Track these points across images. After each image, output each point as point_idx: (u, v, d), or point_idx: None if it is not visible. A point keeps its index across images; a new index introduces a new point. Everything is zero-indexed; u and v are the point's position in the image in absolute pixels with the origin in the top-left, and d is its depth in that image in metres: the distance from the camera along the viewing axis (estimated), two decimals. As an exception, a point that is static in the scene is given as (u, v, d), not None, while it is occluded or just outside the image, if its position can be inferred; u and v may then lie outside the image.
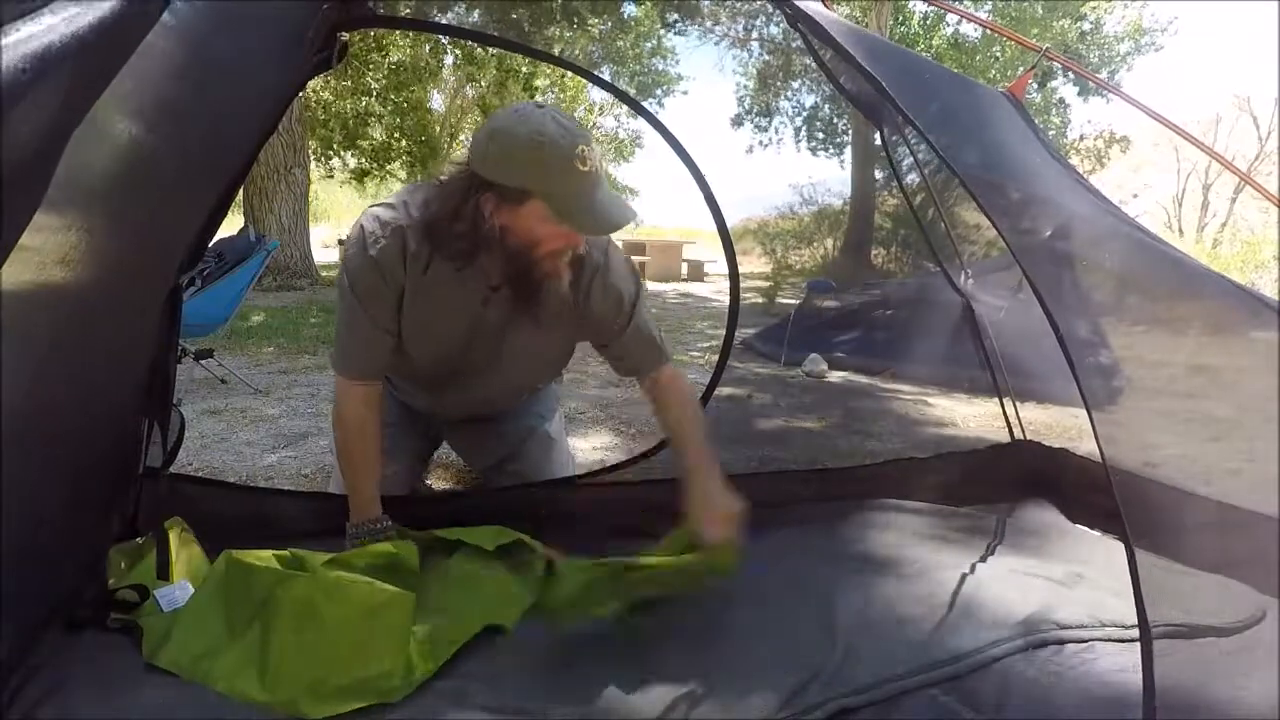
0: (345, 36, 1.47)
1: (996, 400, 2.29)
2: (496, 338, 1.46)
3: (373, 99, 11.38)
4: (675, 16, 11.30)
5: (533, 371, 1.66)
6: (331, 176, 12.74)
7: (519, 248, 1.25)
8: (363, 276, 1.33)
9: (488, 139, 1.20)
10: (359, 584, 1.15)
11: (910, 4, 13.04)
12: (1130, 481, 0.83)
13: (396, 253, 1.31)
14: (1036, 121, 1.70)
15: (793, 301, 6.22)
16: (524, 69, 10.71)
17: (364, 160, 12.31)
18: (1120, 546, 1.73)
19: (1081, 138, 13.97)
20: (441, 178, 1.31)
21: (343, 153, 11.97)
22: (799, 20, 1.48)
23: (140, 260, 1.22)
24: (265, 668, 1.08)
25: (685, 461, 1.42)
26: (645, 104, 14.89)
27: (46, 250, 0.83)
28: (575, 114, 17.81)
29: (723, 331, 2.18)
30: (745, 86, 14.89)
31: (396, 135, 12.28)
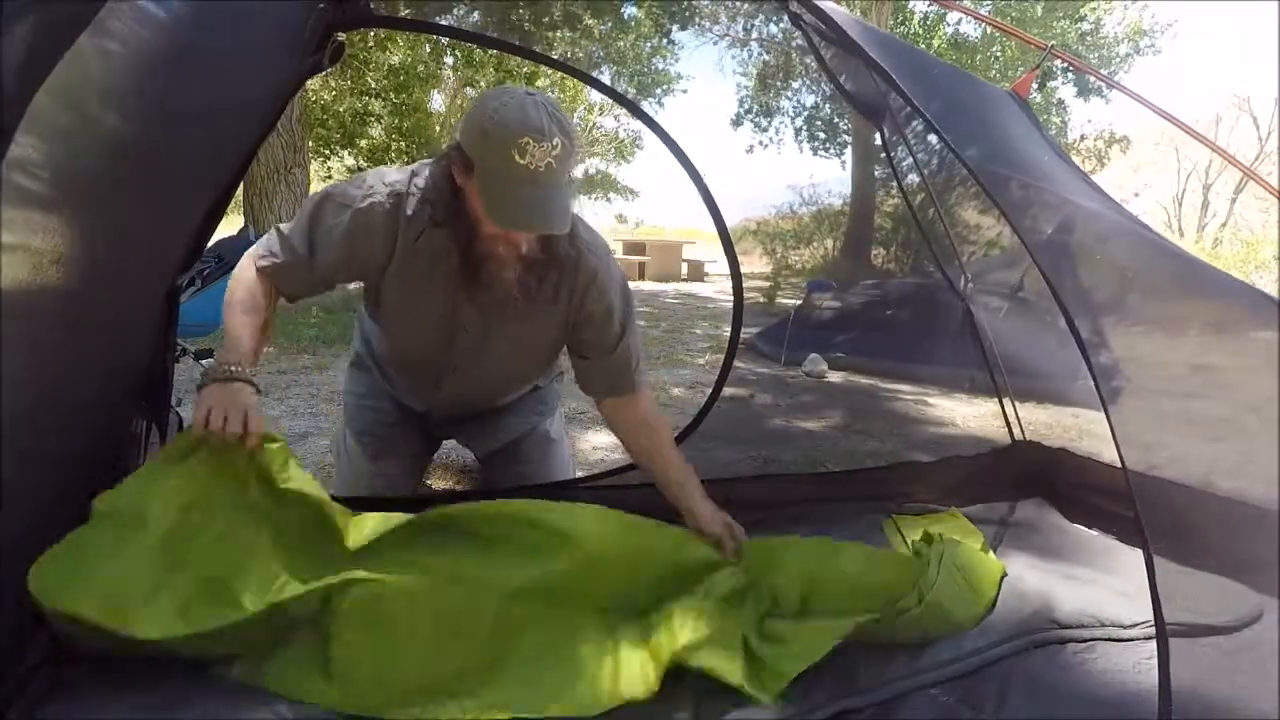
0: (341, 36, 1.47)
1: (996, 400, 2.29)
2: (476, 325, 1.44)
3: (372, 99, 11.39)
4: (672, 26, 11.30)
5: (518, 365, 1.64)
6: (330, 177, 12.75)
7: (469, 218, 1.25)
8: (334, 214, 1.32)
9: (475, 102, 1.23)
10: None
11: (910, 4, 13.05)
12: (1143, 483, 0.83)
13: (384, 215, 1.31)
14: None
15: (793, 301, 6.23)
16: (523, 70, 10.71)
17: (362, 160, 12.31)
18: (1119, 546, 1.74)
19: (1082, 138, 13.97)
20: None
21: (341, 152, 11.97)
22: (807, 13, 1.48)
23: (135, 260, 1.22)
24: (330, 671, 1.08)
25: (672, 476, 1.46)
26: (645, 103, 14.85)
27: (41, 250, 0.83)
28: (575, 114, 17.84)
29: (722, 331, 2.18)
30: (745, 87, 14.90)
31: (395, 136, 12.29)
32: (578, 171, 19.74)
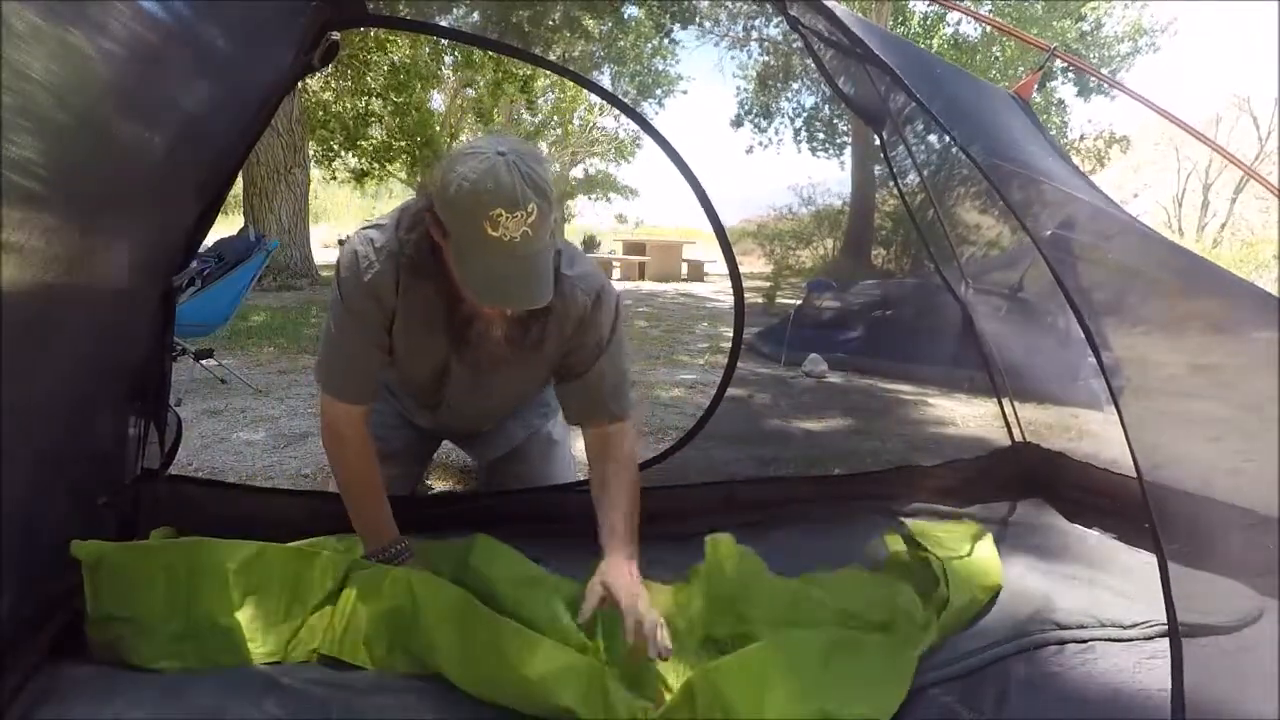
0: (336, 36, 1.46)
1: (996, 401, 2.29)
2: (465, 375, 1.42)
3: (373, 99, 11.38)
4: (672, 26, 11.29)
5: (519, 393, 1.64)
6: (335, 178, 12.73)
7: (449, 279, 1.20)
8: (357, 300, 1.28)
9: (447, 160, 1.14)
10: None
11: (910, 4, 13.05)
12: (1148, 486, 0.83)
13: (390, 276, 1.26)
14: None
15: (793, 301, 6.23)
16: (522, 71, 10.71)
17: (364, 161, 12.31)
18: (1119, 547, 1.74)
19: (1082, 138, 13.97)
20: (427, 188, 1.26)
21: (343, 153, 11.96)
22: (806, 16, 1.47)
23: (129, 259, 1.22)
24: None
25: (609, 529, 1.29)
26: (646, 104, 14.80)
27: (37, 249, 0.83)
28: (575, 114, 17.84)
29: (722, 331, 2.18)
30: (744, 88, 14.91)
31: (397, 135, 12.28)
32: (578, 171, 19.73)
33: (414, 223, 1.21)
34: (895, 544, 1.53)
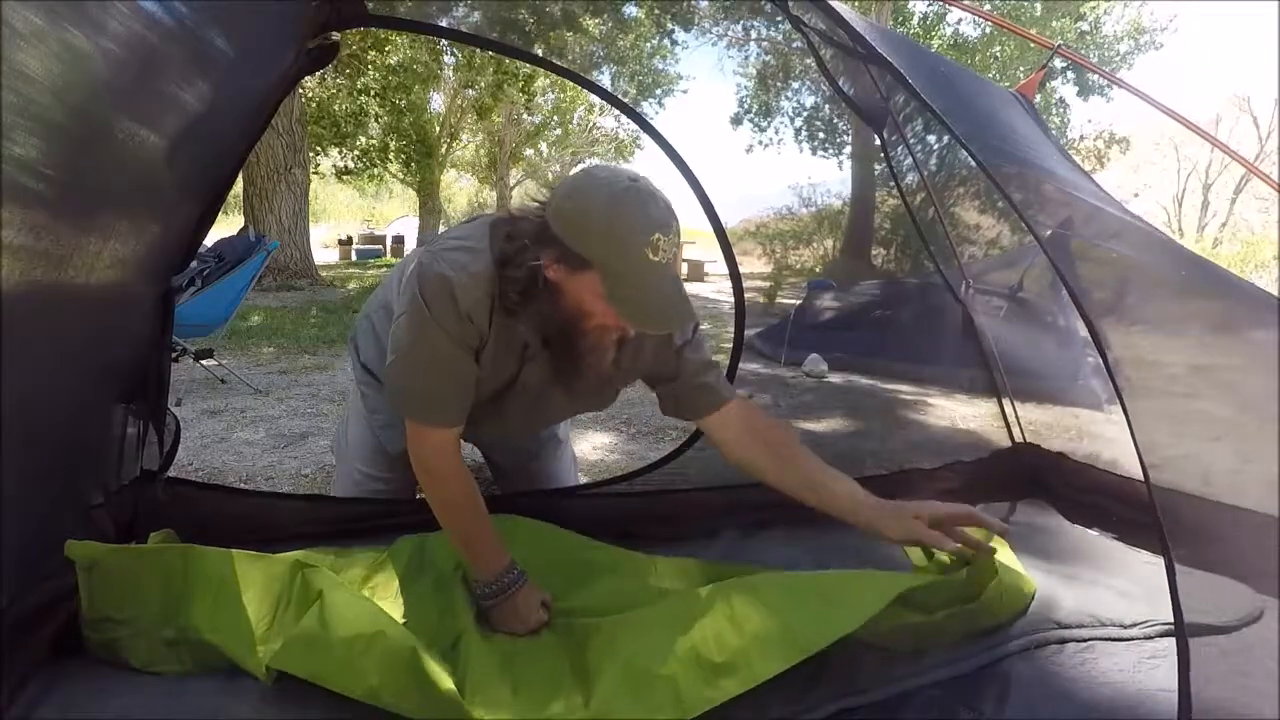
0: (336, 36, 1.46)
1: (996, 401, 2.29)
2: (537, 392, 1.38)
3: (371, 98, 11.39)
4: (673, 28, 11.30)
5: (564, 416, 1.63)
6: (320, 174, 12.74)
7: (567, 313, 1.18)
8: (453, 323, 1.21)
9: (567, 194, 1.13)
10: None
11: (910, 4, 13.06)
12: (1148, 488, 0.83)
13: (486, 306, 1.22)
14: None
15: (793, 301, 6.23)
16: (523, 71, 10.71)
17: (353, 159, 12.33)
18: (1119, 547, 1.74)
19: (1081, 138, 13.99)
20: (515, 213, 1.23)
21: (330, 151, 11.98)
22: (808, 14, 1.47)
23: (129, 260, 1.22)
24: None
25: (847, 495, 1.32)
26: (645, 103, 14.81)
27: (36, 249, 0.83)
28: (575, 114, 17.88)
29: (724, 331, 2.18)
30: (745, 87, 14.92)
31: (394, 135, 12.29)
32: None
33: (518, 260, 1.17)
34: (914, 554, 1.50)
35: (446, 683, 1.02)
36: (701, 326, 1.47)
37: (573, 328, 1.19)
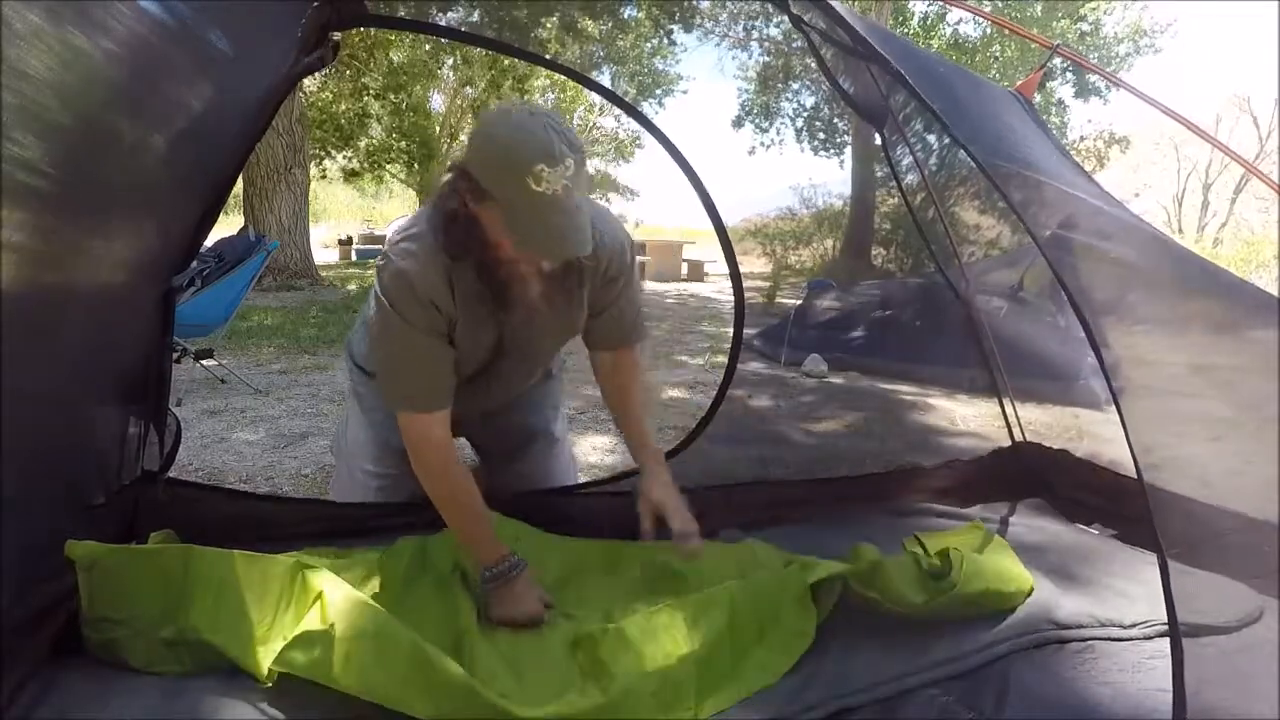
0: (337, 36, 1.46)
1: (996, 400, 2.29)
2: (524, 334, 1.43)
3: (371, 98, 11.38)
4: (674, 27, 11.28)
5: (559, 345, 1.64)
6: (325, 177, 12.71)
7: (485, 244, 1.23)
8: (416, 314, 1.26)
9: (474, 132, 1.22)
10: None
11: (910, 4, 13.06)
12: (1146, 488, 0.83)
13: (442, 278, 1.27)
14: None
15: (793, 301, 6.23)
16: (520, 69, 10.70)
17: (357, 160, 12.29)
18: (1119, 546, 1.74)
19: (1081, 138, 13.98)
20: (453, 161, 1.29)
21: (335, 153, 11.94)
22: (809, 14, 1.47)
23: (129, 260, 1.22)
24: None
25: (638, 442, 1.49)
26: (646, 104, 14.78)
27: (36, 249, 0.83)
28: (575, 114, 17.84)
29: (722, 331, 2.18)
30: (745, 89, 14.92)
31: (395, 135, 12.27)
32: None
33: (447, 196, 1.23)
34: (912, 546, 1.51)
35: (455, 668, 1.03)
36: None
37: (490, 258, 1.23)
